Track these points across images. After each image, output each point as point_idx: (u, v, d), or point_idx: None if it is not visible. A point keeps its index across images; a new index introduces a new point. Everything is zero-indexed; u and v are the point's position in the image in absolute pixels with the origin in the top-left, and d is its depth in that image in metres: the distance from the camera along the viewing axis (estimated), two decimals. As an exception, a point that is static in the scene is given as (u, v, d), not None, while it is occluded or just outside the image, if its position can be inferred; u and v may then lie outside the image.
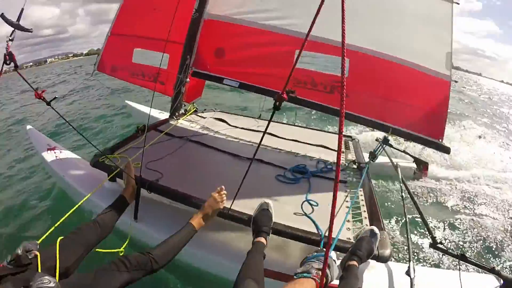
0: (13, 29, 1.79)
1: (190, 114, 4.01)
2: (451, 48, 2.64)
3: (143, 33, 3.94)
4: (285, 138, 3.49)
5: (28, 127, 4.38)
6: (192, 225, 1.84)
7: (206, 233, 2.15)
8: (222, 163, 2.84)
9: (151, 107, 2.56)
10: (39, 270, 1.42)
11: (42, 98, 1.91)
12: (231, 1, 3.06)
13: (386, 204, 3.62)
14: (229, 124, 3.81)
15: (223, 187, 1.98)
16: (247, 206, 2.04)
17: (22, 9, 1.91)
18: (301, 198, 2.29)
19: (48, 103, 1.96)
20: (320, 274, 1.35)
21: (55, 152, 3.55)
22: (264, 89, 2.96)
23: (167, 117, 3.86)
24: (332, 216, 1.00)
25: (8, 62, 1.79)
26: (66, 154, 3.57)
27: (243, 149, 3.01)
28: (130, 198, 2.16)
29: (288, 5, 2.92)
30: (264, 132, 1.72)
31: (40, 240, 1.59)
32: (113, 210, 1.99)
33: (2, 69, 1.82)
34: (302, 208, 2.16)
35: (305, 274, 1.42)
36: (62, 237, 1.66)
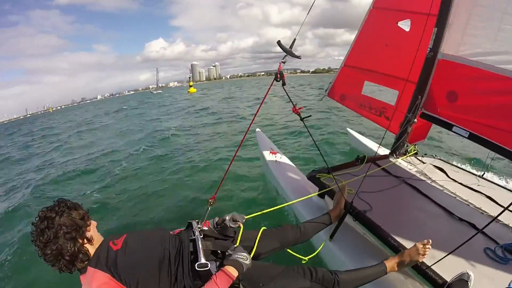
0: (285, 54, 2.05)
1: (411, 155, 3.91)
2: None
3: (374, 67, 4.14)
4: (507, 209, 2.75)
5: (257, 129, 5.38)
6: (385, 266, 1.86)
7: (390, 279, 2.06)
8: (432, 215, 2.67)
9: (382, 140, 2.70)
10: (237, 244, 1.62)
11: (298, 113, 2.13)
12: (470, 41, 2.78)
13: None
14: (448, 176, 3.45)
15: (430, 241, 1.91)
16: (445, 269, 1.88)
17: (295, 39, 2.19)
18: (506, 282, 1.93)
19: (302, 119, 2.18)
20: None
21: (275, 156, 4.12)
22: (499, 146, 2.58)
23: (387, 153, 3.95)
24: None
25: (278, 79, 2.06)
26: (285, 160, 4.10)
27: (458, 207, 2.75)
28: (334, 218, 2.31)
29: None
30: (505, 209, 1.67)
31: (247, 217, 1.81)
32: (317, 223, 2.17)
33: (272, 84, 2.15)
34: None
35: None
36: (265, 228, 1.88)
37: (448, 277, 1.86)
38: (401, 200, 2.89)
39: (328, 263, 2.48)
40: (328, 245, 2.39)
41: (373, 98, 4.23)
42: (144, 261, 1.43)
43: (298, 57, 2.10)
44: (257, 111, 2.34)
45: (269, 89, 2.20)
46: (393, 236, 2.13)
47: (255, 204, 4.48)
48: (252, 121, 2.29)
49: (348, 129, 6.57)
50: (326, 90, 4.70)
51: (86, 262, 1.38)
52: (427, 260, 1.93)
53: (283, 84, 2.06)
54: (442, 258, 1.85)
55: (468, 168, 4.19)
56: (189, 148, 9.17)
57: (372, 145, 5.51)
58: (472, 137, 2.79)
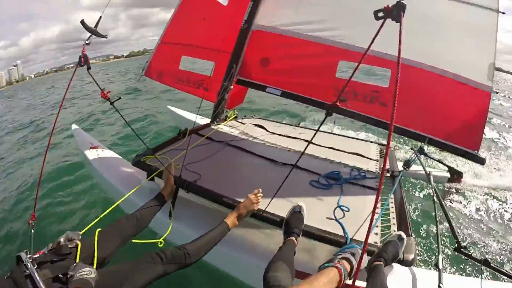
0: (90, 34, 1.97)
1: (231, 120, 4.16)
2: (494, 58, 2.63)
3: (191, 41, 4.17)
4: (321, 146, 3.55)
5: (74, 126, 4.65)
6: (226, 223, 1.93)
7: (236, 234, 2.21)
8: (258, 167, 2.93)
9: (198, 110, 2.76)
10: (77, 260, 1.50)
11: (107, 98, 2.05)
12: (279, 13, 3.20)
13: (416, 211, 3.65)
14: (268, 131, 3.92)
15: (260, 189, 2.09)
16: (280, 209, 2.10)
17: (100, 17, 2.11)
18: (333, 203, 2.37)
19: (112, 103, 2.11)
20: (343, 261, 1.35)
21: (97, 151, 3.70)
22: (306, 98, 3.07)
23: (208, 122, 4.02)
24: (373, 212, 1.13)
25: (82, 64, 1.98)
26: (107, 153, 3.72)
27: (280, 155, 3.11)
28: (168, 196, 2.27)
29: (333, 17, 3.04)
30: (309, 142, 1.90)
31: (82, 232, 1.70)
32: (151, 206, 2.11)
33: (75, 69, 2.06)
34: (334, 213, 2.23)
35: (326, 264, 1.45)
36: (100, 229, 1.76)
37: (285, 214, 2.05)
38: (228, 161, 3.02)
39: (177, 242, 2.29)
40: (169, 223, 2.33)
41: (191, 72, 4.27)
42: None
43: (104, 36, 2.08)
44: (61, 104, 2.26)
45: (72, 76, 2.11)
46: (227, 195, 2.23)
47: (90, 211, 3.83)
48: (57, 119, 2.23)
49: (169, 107, 6.50)
50: (142, 70, 4.43)
51: None
52: (263, 206, 2.08)
53: (88, 68, 2.02)
54: (271, 200, 2.04)
55: (285, 121, 4.82)
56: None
57: (195, 117, 5.57)
58: (284, 94, 3.20)
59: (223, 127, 3.87)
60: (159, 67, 4.40)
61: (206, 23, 4.01)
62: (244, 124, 4.12)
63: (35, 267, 1.38)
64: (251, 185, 2.16)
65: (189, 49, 4.22)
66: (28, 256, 1.43)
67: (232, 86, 3.57)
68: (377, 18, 1.34)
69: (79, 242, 1.59)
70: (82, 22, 1.99)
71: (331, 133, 4.50)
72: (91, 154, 3.56)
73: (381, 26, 1.36)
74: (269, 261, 1.62)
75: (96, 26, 2.02)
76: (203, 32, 4.05)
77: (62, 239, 1.58)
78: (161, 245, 2.01)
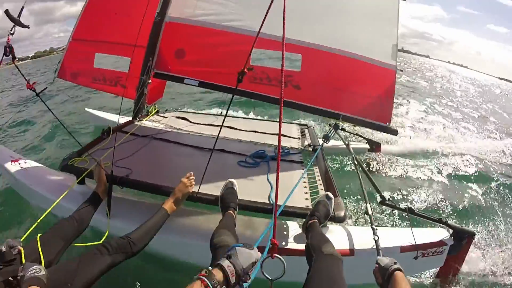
0: (14, 24, 1.95)
1: (153, 115, 4.12)
2: (397, 40, 2.93)
3: (104, 37, 3.99)
4: (244, 130, 3.75)
5: None
6: (164, 209, 1.98)
7: (176, 220, 2.31)
8: (187, 155, 3.03)
9: (120, 108, 2.69)
10: (23, 262, 1.46)
11: (33, 89, 2.02)
12: (191, 4, 3.20)
13: (341, 180, 4.00)
14: (190, 121, 4.00)
15: (191, 172, 2.17)
16: (214, 189, 2.24)
17: (23, 7, 2.09)
18: (262, 178, 2.57)
19: (37, 94, 2.08)
20: (214, 270, 1.11)
21: (19, 163, 3.44)
22: (222, 86, 3.15)
23: (130, 119, 3.91)
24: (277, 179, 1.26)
25: (7, 54, 1.92)
26: (32, 163, 3.47)
27: (206, 142, 3.23)
28: (103, 194, 2.26)
29: (241, 7, 3.13)
30: (224, 118, 2.07)
31: (22, 239, 1.63)
32: (88, 206, 2.09)
33: (1, 60, 1.98)
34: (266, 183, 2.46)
35: (194, 277, 1.09)
36: (41, 234, 1.73)
37: (218, 192, 2.20)
38: (156, 154, 3.09)
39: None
40: (110, 222, 2.31)
41: (107, 69, 4.13)
42: None
43: (27, 26, 2.03)
44: None
45: None
46: (161, 184, 2.31)
47: (24, 222, 3.51)
48: None
49: (86, 109, 6.13)
50: (55, 71, 4.11)
51: None
52: (196, 189, 2.19)
53: (14, 58, 1.97)
54: (202, 179, 2.14)
55: (205, 111, 4.82)
56: None
57: (114, 117, 5.38)
58: (202, 84, 3.24)
59: (146, 123, 3.81)
60: (72, 67, 4.14)
61: (118, 17, 3.87)
62: (166, 117, 4.12)
63: None
64: (183, 172, 2.21)
65: (103, 46, 4.03)
66: None
67: (150, 80, 3.48)
68: None
69: (21, 248, 1.53)
70: (7, 11, 1.95)
71: (253, 118, 4.78)
72: (13, 168, 3.27)
73: (269, 8, 1.52)
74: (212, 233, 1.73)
75: (19, 16, 1.98)
76: (115, 27, 3.89)
77: (3, 247, 1.51)
78: None
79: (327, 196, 2.12)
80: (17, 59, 2.00)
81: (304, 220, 2.07)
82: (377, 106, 3.04)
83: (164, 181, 2.35)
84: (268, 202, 2.20)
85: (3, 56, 1.95)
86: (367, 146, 4.74)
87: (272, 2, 1.53)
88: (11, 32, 1.96)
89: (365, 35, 3.00)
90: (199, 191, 2.20)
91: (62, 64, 4.08)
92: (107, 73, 4.05)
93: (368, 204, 2.33)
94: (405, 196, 3.89)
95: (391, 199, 2.60)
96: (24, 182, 3.08)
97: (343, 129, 3.44)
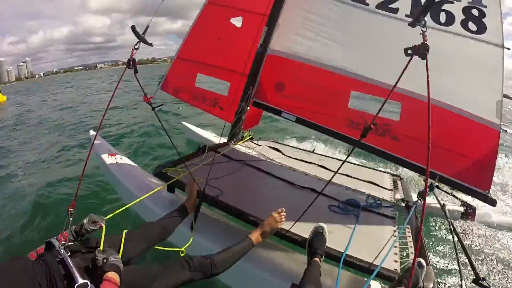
0: (138, 40, 2.08)
1: (247, 140, 4.23)
2: (502, 95, 2.65)
3: (207, 60, 4.26)
4: (337, 172, 3.55)
5: (91, 132, 4.81)
6: (250, 239, 1.97)
7: (259, 251, 2.27)
8: (277, 188, 3.01)
9: (222, 130, 3.03)
10: (102, 243, 1.57)
11: (149, 103, 2.15)
12: (295, 39, 3.27)
13: (432, 242, 3.64)
14: (283, 154, 4.00)
15: (283, 208, 2.12)
16: (302, 230, 2.17)
17: (148, 26, 2.25)
18: (351, 228, 2.45)
19: (153, 109, 2.20)
20: None
21: (115, 158, 3.82)
22: (321, 126, 3.15)
23: (225, 141, 4.08)
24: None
25: (131, 67, 2.05)
26: (126, 161, 3.81)
27: (298, 178, 3.18)
28: (191, 209, 2.34)
29: (343, 48, 3.11)
30: (342, 163, 2.06)
31: (106, 217, 1.75)
32: (175, 216, 2.19)
33: (124, 72, 2.10)
34: (351, 237, 2.28)
35: None
36: (127, 230, 1.83)
37: (307, 235, 2.12)
38: (247, 180, 3.13)
39: (196, 254, 2.34)
40: (190, 235, 2.39)
41: (206, 90, 4.36)
42: None
43: (150, 44, 2.16)
44: (108, 105, 2.26)
45: (121, 77, 2.11)
46: (249, 212, 2.31)
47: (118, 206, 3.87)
48: (102, 121, 2.30)
49: (183, 123, 6.63)
50: (159, 84, 4.51)
51: None
52: (285, 226, 2.15)
53: (135, 71, 2.06)
54: (297, 220, 2.11)
55: (300, 146, 4.89)
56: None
57: (207, 135, 5.67)
58: (299, 121, 3.26)
59: (240, 147, 3.94)
60: (175, 82, 4.51)
61: (221, 43, 4.13)
62: (260, 145, 4.21)
63: (68, 254, 1.43)
64: (272, 205, 2.22)
65: (204, 68, 4.31)
66: (63, 243, 1.49)
67: (248, 108, 3.63)
68: (406, 54, 1.53)
69: (103, 225, 1.65)
70: (133, 28, 2.08)
71: (347, 161, 4.48)
72: (109, 160, 3.66)
73: (409, 62, 1.56)
74: (299, 284, 1.69)
75: (144, 33, 2.11)
76: (218, 52, 4.16)
77: (85, 221, 1.64)
78: (183, 254, 2.10)
79: (419, 263, 1.89)
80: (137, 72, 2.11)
81: (389, 284, 1.91)
82: (476, 170, 2.73)
83: (252, 209, 2.35)
84: (355, 256, 2.06)
85: (125, 68, 2.09)
86: (461, 209, 4.20)
87: (411, 58, 1.57)
88: (135, 47, 2.08)
89: (467, 86, 2.76)
90: (289, 230, 2.17)
91: (166, 78, 4.45)
92: (207, 93, 4.28)
93: (463, 282, 2.10)
94: (502, 279, 3.30)
95: (486, 280, 2.24)
96: (117, 175, 3.38)
97: (438, 187, 3.09)
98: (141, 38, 2.05)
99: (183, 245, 2.22)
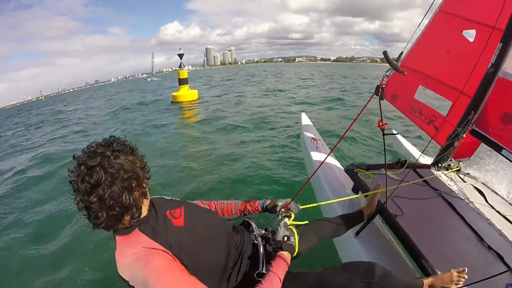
0: (389, 67, 2.03)
1: (453, 171, 3.69)
2: None
3: (431, 72, 4.00)
4: None
5: (303, 114, 5.49)
6: (422, 283, 1.80)
7: None
8: (462, 237, 2.51)
9: (423, 151, 2.90)
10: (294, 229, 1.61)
11: (383, 130, 1.93)
12: None
13: None
14: (486, 201, 3.23)
15: (466, 269, 1.81)
16: None
17: (401, 53, 2.27)
18: None
19: (383, 135, 1.98)
20: None
21: (316, 143, 4.08)
22: None
23: (428, 163, 3.79)
24: None
25: (378, 94, 1.94)
26: (326, 148, 4.09)
27: (490, 234, 2.56)
28: (366, 217, 2.34)
29: None
30: None
31: (302, 207, 1.89)
32: (351, 218, 2.20)
33: (371, 98, 1.98)
34: None
35: None
36: (307, 222, 1.88)
37: None
38: (434, 213, 2.80)
39: (348, 258, 2.50)
40: (352, 240, 2.45)
41: (424, 104, 4.08)
42: (211, 260, 1.28)
43: (403, 73, 2.01)
44: (354, 120, 2.22)
45: (366, 104, 2.03)
46: (423, 252, 2.04)
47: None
48: (349, 128, 2.19)
49: (397, 136, 6.25)
50: (377, 87, 4.73)
51: (136, 221, 1.15)
52: None
53: (381, 98, 1.93)
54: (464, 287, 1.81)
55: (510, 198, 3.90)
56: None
57: (414, 151, 5.34)
58: None
59: (441, 175, 3.55)
60: (395, 90, 4.46)
61: (449, 57, 3.78)
62: (465, 182, 3.56)
63: (263, 243, 1.56)
64: (451, 255, 2.04)
65: (427, 80, 4.05)
66: (263, 232, 1.63)
67: (464, 135, 3.26)
68: None
69: (293, 215, 1.71)
70: (385, 53, 2.00)
71: None
72: (310, 143, 4.02)
73: None
74: None
75: (397, 60, 2.04)
76: (445, 66, 3.83)
77: (280, 203, 1.75)
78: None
79: None
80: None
81: None
82: None
83: (427, 248, 2.08)
84: None
85: (372, 95, 1.97)
86: None
87: None
88: (386, 74, 2.01)
89: None
90: None
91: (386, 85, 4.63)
92: (425, 108, 4.02)
93: None
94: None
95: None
96: (312, 157, 3.68)
97: None
98: (393, 65, 1.95)
99: (341, 246, 2.33)
